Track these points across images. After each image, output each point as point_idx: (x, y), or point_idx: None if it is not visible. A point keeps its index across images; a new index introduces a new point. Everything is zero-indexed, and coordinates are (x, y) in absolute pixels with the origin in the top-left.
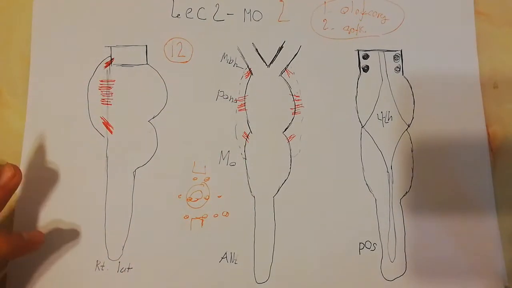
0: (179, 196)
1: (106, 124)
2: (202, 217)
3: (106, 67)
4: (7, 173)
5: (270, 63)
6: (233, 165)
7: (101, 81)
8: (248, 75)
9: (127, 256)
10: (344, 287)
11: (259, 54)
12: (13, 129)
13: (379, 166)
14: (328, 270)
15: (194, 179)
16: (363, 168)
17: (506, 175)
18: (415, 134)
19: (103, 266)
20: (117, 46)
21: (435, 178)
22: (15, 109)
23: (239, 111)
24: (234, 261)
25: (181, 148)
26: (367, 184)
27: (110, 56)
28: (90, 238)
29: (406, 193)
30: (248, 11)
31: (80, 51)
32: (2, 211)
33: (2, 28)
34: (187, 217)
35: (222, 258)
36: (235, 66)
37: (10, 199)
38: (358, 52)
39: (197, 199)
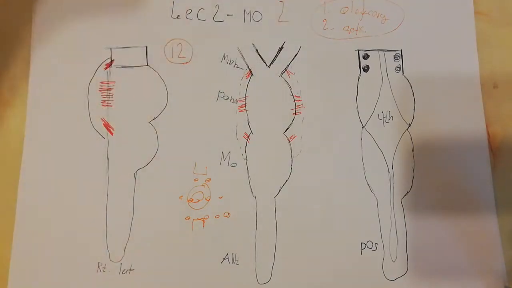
0: (181, 197)
1: (107, 126)
2: (204, 218)
3: (106, 68)
4: None
5: (271, 64)
6: (234, 166)
7: (102, 82)
8: (248, 75)
9: (129, 258)
10: (346, 287)
11: (259, 54)
12: (13, 129)
13: (380, 166)
14: (330, 270)
15: (195, 180)
16: (364, 168)
17: (506, 175)
18: (416, 133)
19: (104, 267)
20: (117, 47)
21: (435, 178)
22: (15, 109)
23: (240, 112)
24: (236, 262)
25: (182, 149)
26: (368, 184)
27: (110, 58)
28: (91, 240)
29: (407, 192)
30: (248, 11)
31: (80, 52)
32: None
33: (2, 28)
34: (189, 218)
35: (224, 259)
36: (235, 66)
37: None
38: (358, 52)
39: (198, 200)
